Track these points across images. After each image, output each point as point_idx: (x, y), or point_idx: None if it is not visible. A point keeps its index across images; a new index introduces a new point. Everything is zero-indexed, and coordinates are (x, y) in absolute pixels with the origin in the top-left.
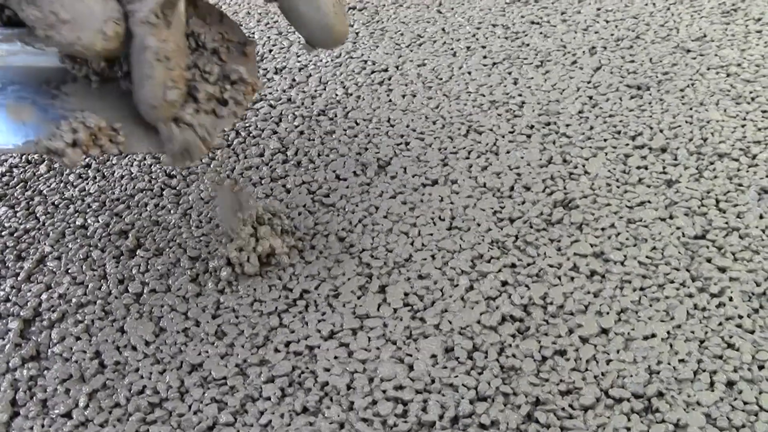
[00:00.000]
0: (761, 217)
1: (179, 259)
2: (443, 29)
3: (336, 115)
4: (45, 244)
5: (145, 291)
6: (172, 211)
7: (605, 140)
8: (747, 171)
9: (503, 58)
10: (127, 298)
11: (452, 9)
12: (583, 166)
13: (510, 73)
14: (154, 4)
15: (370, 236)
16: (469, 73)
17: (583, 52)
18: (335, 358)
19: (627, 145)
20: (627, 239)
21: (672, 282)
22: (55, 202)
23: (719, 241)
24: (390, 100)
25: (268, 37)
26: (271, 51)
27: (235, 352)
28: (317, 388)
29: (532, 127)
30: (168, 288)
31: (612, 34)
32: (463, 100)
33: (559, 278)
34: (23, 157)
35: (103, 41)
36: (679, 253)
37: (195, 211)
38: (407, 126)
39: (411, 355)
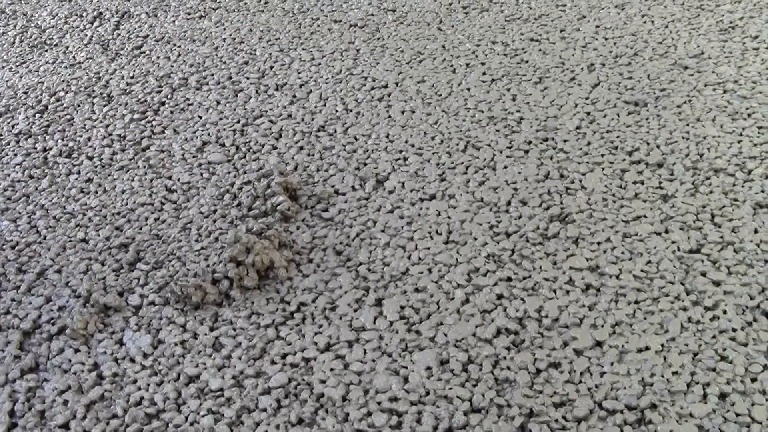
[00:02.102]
0: (756, 231)
1: (178, 272)
2: (443, 46)
3: (335, 131)
4: (46, 257)
5: (144, 303)
6: (171, 225)
7: (602, 155)
8: (743, 186)
9: (502, 74)
10: (127, 310)
11: (453, 26)
12: (580, 181)
13: (509, 90)
14: None
15: (368, 250)
16: (468, 89)
17: (582, 68)
18: (331, 370)
19: (624, 160)
20: (622, 253)
21: (666, 295)
22: (57, 216)
23: (714, 255)
24: (389, 116)
25: (270, 54)
26: (272, 67)
27: (232, 364)
28: (313, 400)
29: (529, 142)
30: (166, 300)
31: (611, 51)
32: (462, 116)
33: (555, 291)
34: (25, 171)
35: None
36: (674, 266)
37: (195, 225)
38: (406, 141)
39: (406, 367)
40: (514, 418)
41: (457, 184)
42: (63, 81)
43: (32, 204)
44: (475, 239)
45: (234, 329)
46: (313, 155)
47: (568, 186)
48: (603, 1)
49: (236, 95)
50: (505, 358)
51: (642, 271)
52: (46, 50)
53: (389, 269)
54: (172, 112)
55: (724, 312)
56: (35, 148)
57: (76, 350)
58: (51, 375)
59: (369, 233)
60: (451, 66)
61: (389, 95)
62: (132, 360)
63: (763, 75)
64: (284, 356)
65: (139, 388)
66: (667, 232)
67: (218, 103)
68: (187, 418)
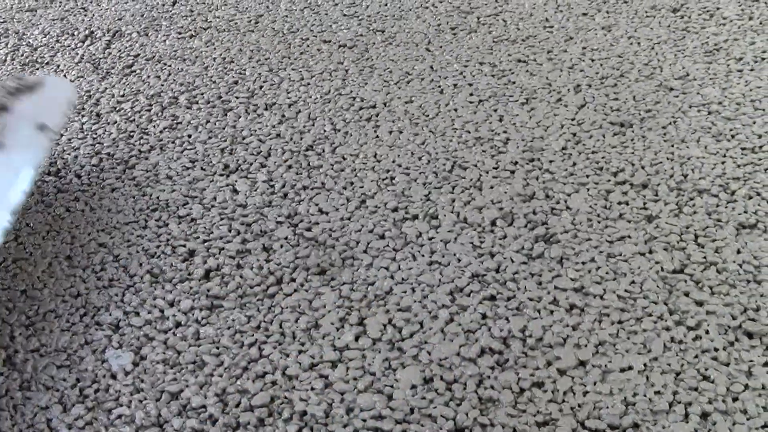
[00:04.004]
0: (739, 251)
1: (164, 287)
2: (431, 67)
3: (324, 151)
4: (33, 274)
5: (125, 320)
6: (153, 242)
7: (587, 176)
8: (726, 207)
9: (489, 95)
10: (108, 328)
11: (441, 47)
12: (565, 201)
13: (495, 110)
14: None
15: (351, 270)
16: (456, 110)
17: (568, 90)
18: (312, 389)
19: (609, 181)
20: (607, 273)
21: (650, 315)
22: (43, 235)
23: (697, 275)
24: (377, 136)
25: (259, 74)
26: (261, 87)
27: (214, 382)
28: (296, 418)
29: (516, 163)
30: (148, 318)
31: (597, 73)
32: (449, 137)
33: (539, 311)
34: None
35: None
36: (658, 287)
37: (179, 241)
38: (393, 161)
39: (391, 386)
40: None
41: (442, 204)
42: None
43: (18, 222)
44: (459, 260)
45: (217, 348)
46: (301, 174)
47: (554, 206)
48: (590, 23)
49: (226, 114)
50: (489, 377)
51: (626, 291)
52: (38, 68)
53: (373, 288)
54: (161, 131)
55: (707, 332)
56: None
57: (59, 367)
58: (34, 392)
59: (352, 253)
60: (439, 87)
61: (377, 115)
62: (113, 377)
63: (746, 97)
64: (266, 375)
65: (121, 405)
66: (651, 252)
67: (207, 122)
68: None
